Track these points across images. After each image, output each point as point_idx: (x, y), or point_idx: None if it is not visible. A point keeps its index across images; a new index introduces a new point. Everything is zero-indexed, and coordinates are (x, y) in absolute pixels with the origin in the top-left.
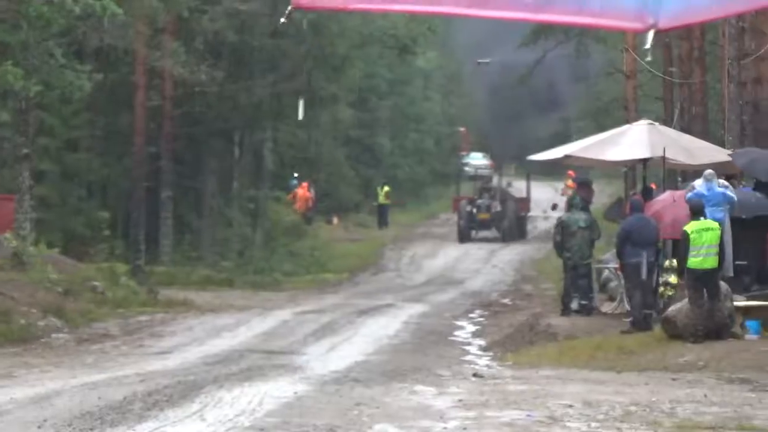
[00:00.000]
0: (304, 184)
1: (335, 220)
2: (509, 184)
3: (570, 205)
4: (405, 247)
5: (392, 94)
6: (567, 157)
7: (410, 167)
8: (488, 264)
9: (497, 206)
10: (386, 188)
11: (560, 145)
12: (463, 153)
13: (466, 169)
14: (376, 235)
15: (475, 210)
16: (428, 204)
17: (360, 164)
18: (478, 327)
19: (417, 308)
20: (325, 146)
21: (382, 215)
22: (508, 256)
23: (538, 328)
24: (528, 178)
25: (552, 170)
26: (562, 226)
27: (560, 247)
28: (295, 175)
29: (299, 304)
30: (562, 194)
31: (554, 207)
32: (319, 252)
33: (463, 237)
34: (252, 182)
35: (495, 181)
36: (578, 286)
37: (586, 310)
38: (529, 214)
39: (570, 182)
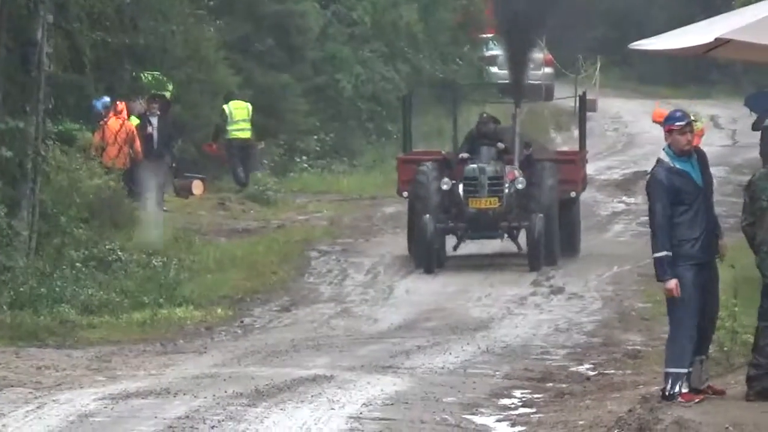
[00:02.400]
0: (121, 106)
1: (197, 188)
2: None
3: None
4: (356, 246)
5: None
6: (717, 42)
7: (360, 64)
8: (541, 285)
9: (519, 177)
10: (240, 105)
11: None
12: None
13: (492, 70)
14: (289, 217)
15: (461, 187)
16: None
17: (253, 60)
18: (521, 429)
19: (383, 386)
20: (183, 27)
21: (243, 162)
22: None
23: (657, 431)
24: (583, 106)
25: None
26: (749, 196)
27: (752, 242)
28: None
29: (117, 378)
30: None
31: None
32: (165, 259)
33: (426, 258)
34: (14, 104)
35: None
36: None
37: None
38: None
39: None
